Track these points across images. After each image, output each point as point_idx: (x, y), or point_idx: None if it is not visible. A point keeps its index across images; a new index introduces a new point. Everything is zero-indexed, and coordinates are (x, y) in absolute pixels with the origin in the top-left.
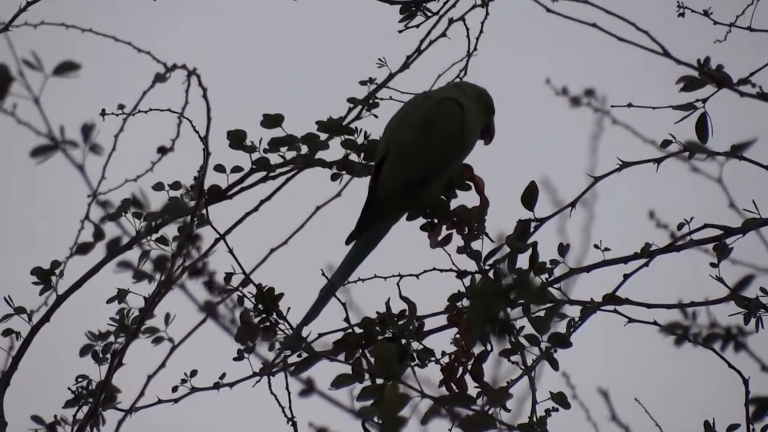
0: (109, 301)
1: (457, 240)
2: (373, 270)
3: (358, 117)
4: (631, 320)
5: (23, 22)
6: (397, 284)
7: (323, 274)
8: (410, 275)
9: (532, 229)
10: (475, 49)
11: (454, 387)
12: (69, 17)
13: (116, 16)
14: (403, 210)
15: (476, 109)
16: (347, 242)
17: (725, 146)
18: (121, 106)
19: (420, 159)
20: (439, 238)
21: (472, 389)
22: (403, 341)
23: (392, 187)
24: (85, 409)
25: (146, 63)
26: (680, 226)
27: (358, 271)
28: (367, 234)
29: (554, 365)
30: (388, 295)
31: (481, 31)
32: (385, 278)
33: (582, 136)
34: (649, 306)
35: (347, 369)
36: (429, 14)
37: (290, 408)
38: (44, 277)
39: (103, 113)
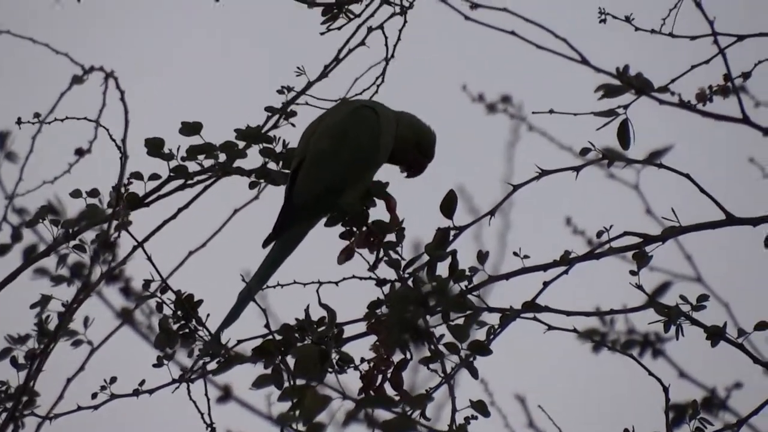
0: (32, 306)
1: (366, 257)
2: (292, 276)
3: (275, 125)
4: (550, 327)
5: None
6: (317, 291)
7: (242, 279)
8: (329, 282)
9: (451, 238)
10: (392, 56)
11: (373, 395)
12: None
13: (35, 19)
14: (319, 216)
15: (399, 127)
16: (264, 245)
17: (646, 152)
18: (36, 115)
19: (333, 167)
20: (344, 255)
21: (390, 394)
22: (323, 347)
23: (306, 194)
24: (4, 414)
25: (64, 65)
26: (599, 234)
27: (278, 276)
28: (283, 238)
29: (474, 373)
30: (307, 301)
31: (398, 39)
32: (305, 284)
33: (499, 143)
34: (568, 313)
35: (267, 373)
36: (351, 16)
37: (209, 414)
38: None
39: (18, 122)
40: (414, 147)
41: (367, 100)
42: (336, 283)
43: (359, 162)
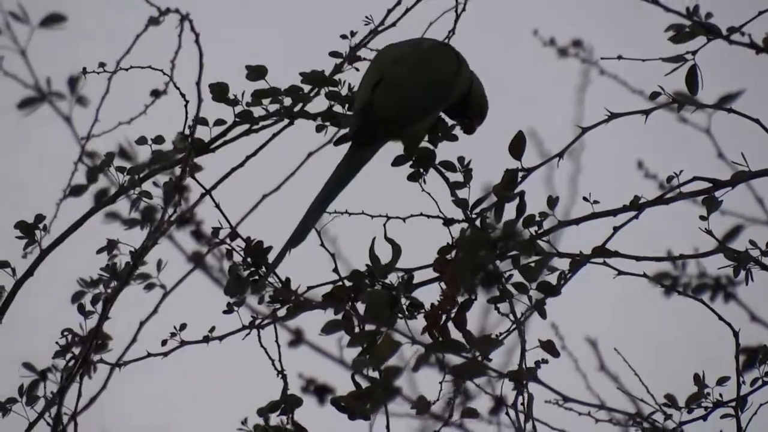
0: (100, 251)
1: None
2: (358, 215)
3: (340, 70)
4: (620, 272)
5: None
6: (384, 225)
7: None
8: (397, 218)
9: (519, 179)
10: (464, 9)
11: (437, 335)
12: None
13: None
14: (385, 140)
15: (472, 84)
16: (335, 144)
17: (714, 97)
18: (101, 64)
19: (410, 92)
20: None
21: (458, 338)
22: (393, 293)
23: (384, 111)
24: (75, 359)
25: (140, 8)
26: (669, 179)
27: (345, 205)
28: (350, 156)
29: (543, 314)
30: (373, 237)
31: None
32: (372, 216)
33: (570, 87)
34: (638, 258)
35: (337, 318)
36: None
37: (280, 361)
38: (28, 231)
39: (84, 71)
40: (475, 107)
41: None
42: (403, 219)
43: (434, 95)
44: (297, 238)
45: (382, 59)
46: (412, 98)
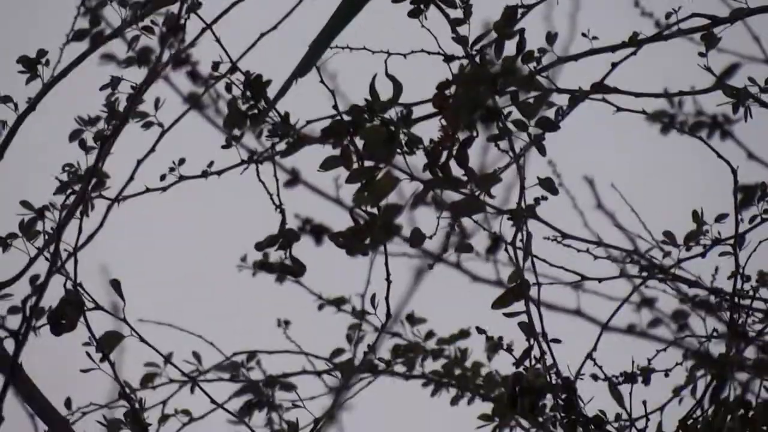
0: (103, 87)
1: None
2: (359, 50)
3: None
4: (619, 109)
5: None
6: (385, 61)
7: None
8: (398, 53)
9: (519, 16)
10: None
11: (439, 172)
12: None
13: None
14: None
15: None
16: None
17: None
18: None
19: None
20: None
21: (458, 174)
22: (392, 128)
23: None
24: (73, 196)
25: None
26: (668, 15)
27: (346, 40)
28: None
29: (541, 150)
30: (374, 73)
31: None
32: (373, 52)
33: None
34: (636, 95)
35: (335, 154)
36: None
37: (279, 195)
38: (30, 65)
39: None
40: None
41: None
42: (404, 56)
43: None
44: (303, 68)
45: None
46: None
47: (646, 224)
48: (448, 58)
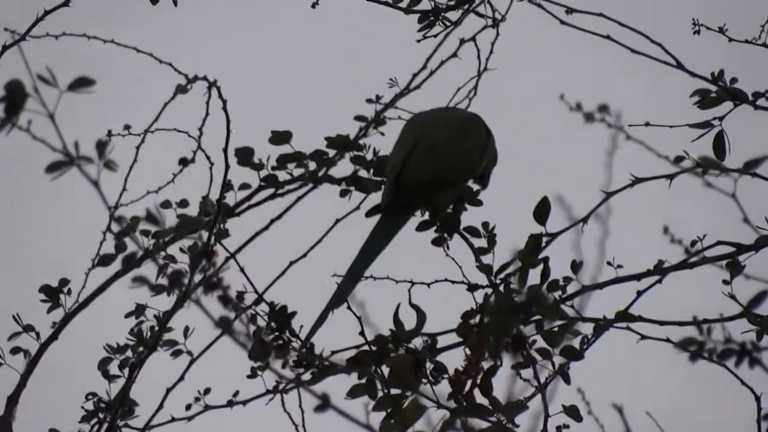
0: (128, 315)
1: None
2: (384, 275)
3: (365, 134)
4: (643, 337)
5: (45, 33)
6: (408, 290)
7: (336, 281)
8: (422, 283)
9: (543, 244)
10: (485, 69)
11: (463, 400)
12: (89, 28)
13: (139, 29)
14: (416, 208)
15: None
16: (367, 215)
17: (740, 161)
18: (127, 127)
19: (446, 159)
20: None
21: (483, 403)
22: (418, 357)
23: (419, 176)
24: (97, 425)
25: (168, 74)
26: (693, 243)
27: (370, 270)
28: (381, 225)
29: (566, 379)
30: (398, 303)
31: (491, 52)
32: (397, 281)
33: (597, 152)
34: (661, 323)
35: (362, 383)
36: (447, 24)
37: (303, 426)
38: (52, 294)
39: (109, 134)
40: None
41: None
42: (428, 285)
43: (467, 165)
44: (337, 301)
45: (417, 125)
46: (448, 165)
47: None
48: (472, 287)
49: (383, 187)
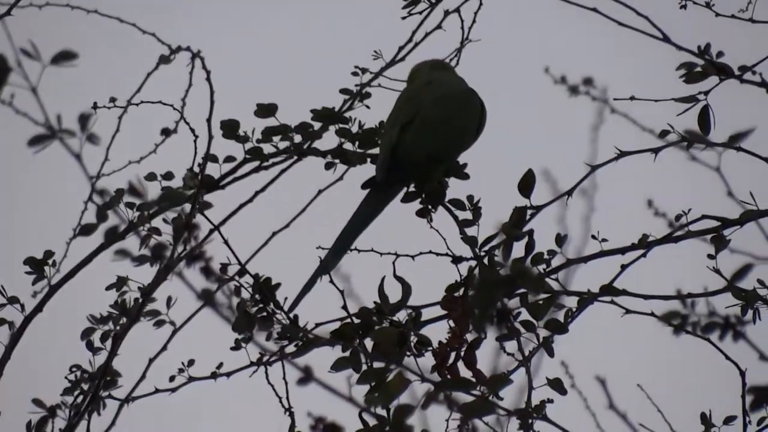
0: (109, 287)
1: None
2: (369, 247)
3: (351, 107)
4: (628, 311)
5: (28, 3)
6: (393, 263)
7: (320, 258)
8: (406, 255)
9: (528, 217)
10: (468, 39)
11: (447, 373)
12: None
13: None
14: (407, 182)
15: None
16: (363, 187)
17: (724, 135)
18: (112, 99)
19: (441, 137)
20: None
21: (466, 376)
22: (402, 330)
23: (414, 153)
24: (81, 396)
25: (151, 45)
26: (678, 217)
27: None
28: (372, 197)
29: (550, 352)
30: (383, 275)
31: (473, 21)
32: (381, 254)
33: (582, 126)
34: (646, 297)
35: (345, 356)
36: (432, 1)
37: (287, 398)
38: (37, 266)
39: (95, 106)
40: None
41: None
42: (412, 257)
43: (463, 140)
44: (323, 269)
45: (413, 96)
46: (445, 141)
47: (656, 426)
48: (457, 259)
49: (378, 158)
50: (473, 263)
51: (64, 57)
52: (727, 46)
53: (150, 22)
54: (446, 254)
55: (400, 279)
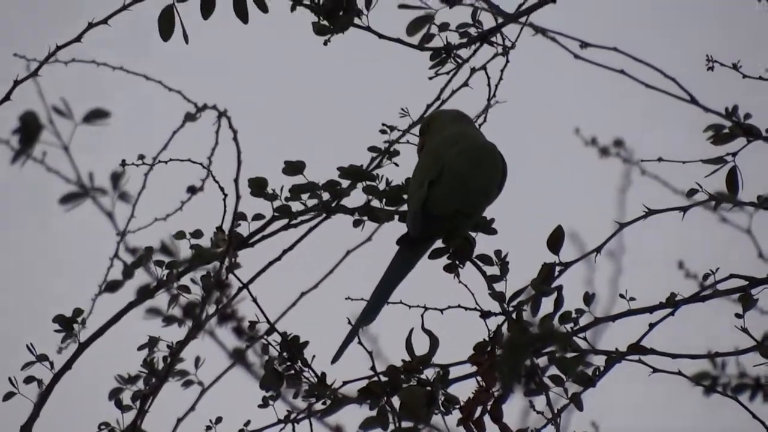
0: (141, 348)
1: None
2: (396, 304)
3: (379, 165)
4: (655, 370)
5: (55, 60)
6: (421, 316)
7: (349, 321)
8: (434, 308)
9: (556, 273)
10: (494, 96)
11: (473, 427)
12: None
13: (149, 59)
14: (437, 236)
15: None
16: (397, 243)
17: (753, 196)
18: (140, 156)
19: (473, 188)
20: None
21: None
22: (430, 388)
23: (445, 207)
24: None
25: (177, 103)
26: (705, 277)
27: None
28: (404, 252)
29: (579, 406)
30: (411, 328)
31: (500, 79)
32: (410, 306)
33: (611, 186)
34: (673, 356)
35: (373, 415)
36: (459, 61)
37: None
38: (66, 324)
39: (123, 164)
40: None
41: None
42: (441, 311)
43: (486, 194)
44: (363, 322)
45: (437, 151)
46: (473, 195)
47: None
48: (485, 314)
49: (409, 214)
50: (501, 318)
51: (96, 116)
52: (754, 107)
53: (176, 81)
54: (475, 308)
55: (428, 332)
